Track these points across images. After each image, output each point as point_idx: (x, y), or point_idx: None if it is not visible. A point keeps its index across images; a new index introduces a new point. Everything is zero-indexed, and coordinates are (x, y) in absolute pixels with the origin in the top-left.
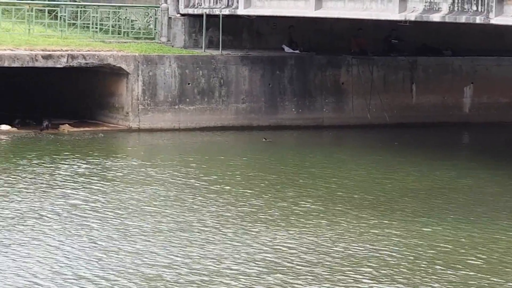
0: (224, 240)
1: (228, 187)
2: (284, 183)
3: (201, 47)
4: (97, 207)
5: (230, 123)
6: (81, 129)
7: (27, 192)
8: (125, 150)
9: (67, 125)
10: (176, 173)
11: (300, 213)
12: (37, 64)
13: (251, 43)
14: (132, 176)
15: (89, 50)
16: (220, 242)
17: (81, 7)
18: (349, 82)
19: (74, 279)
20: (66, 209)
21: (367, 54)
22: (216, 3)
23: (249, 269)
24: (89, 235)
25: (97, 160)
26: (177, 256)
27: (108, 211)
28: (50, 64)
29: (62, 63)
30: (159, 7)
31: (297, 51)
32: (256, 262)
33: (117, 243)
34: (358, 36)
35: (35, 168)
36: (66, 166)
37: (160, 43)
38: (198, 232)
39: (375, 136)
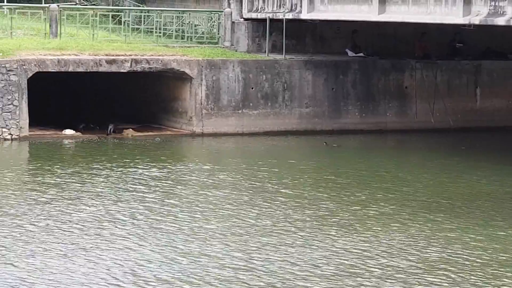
0: (299, 243)
1: (300, 191)
2: (354, 186)
3: (265, 52)
4: (172, 210)
5: (293, 127)
6: (145, 133)
7: (102, 196)
8: (192, 154)
9: (131, 129)
10: (246, 177)
11: (373, 216)
12: (101, 69)
13: (315, 48)
14: (203, 179)
15: (152, 55)
16: (294, 245)
17: (145, 12)
18: (413, 86)
19: (154, 281)
20: (142, 213)
21: (431, 58)
22: (280, 7)
23: (324, 271)
24: (167, 238)
25: (167, 164)
26: (254, 259)
27: (183, 214)
28: (114, 68)
29: (126, 67)
30: (222, 11)
31: (360, 54)
32: (332, 265)
33: (195, 246)
34: (422, 40)
35: (107, 172)
36: (137, 170)
37: (223, 47)
38: (273, 235)
39: (440, 141)
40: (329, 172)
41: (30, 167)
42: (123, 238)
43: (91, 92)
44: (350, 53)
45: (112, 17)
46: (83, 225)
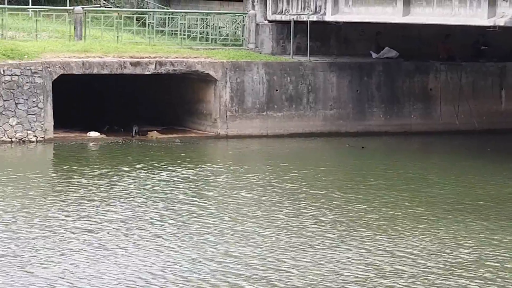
0: (328, 243)
1: (328, 192)
2: (381, 188)
3: (289, 54)
4: (202, 211)
5: (318, 129)
6: (169, 135)
7: (132, 197)
8: (218, 156)
9: (155, 131)
10: (273, 178)
11: (401, 217)
12: (126, 71)
13: (339, 50)
14: (231, 181)
15: (177, 57)
16: (325, 246)
17: (169, 14)
18: (437, 88)
19: (187, 281)
20: (172, 213)
21: (455, 60)
22: (304, 9)
23: (355, 272)
24: (199, 239)
25: (194, 166)
26: (284, 260)
27: (213, 215)
28: (138, 71)
29: (150, 70)
30: (246, 13)
31: (386, 48)
32: (362, 266)
33: (226, 246)
34: (446, 42)
35: (135, 174)
36: (164, 172)
37: (247, 49)
38: (303, 236)
39: (465, 143)
40: (356, 173)
41: (58, 169)
42: (161, 239)
43: (116, 94)
44: (374, 55)
45: (136, 20)
46: (114, 226)
